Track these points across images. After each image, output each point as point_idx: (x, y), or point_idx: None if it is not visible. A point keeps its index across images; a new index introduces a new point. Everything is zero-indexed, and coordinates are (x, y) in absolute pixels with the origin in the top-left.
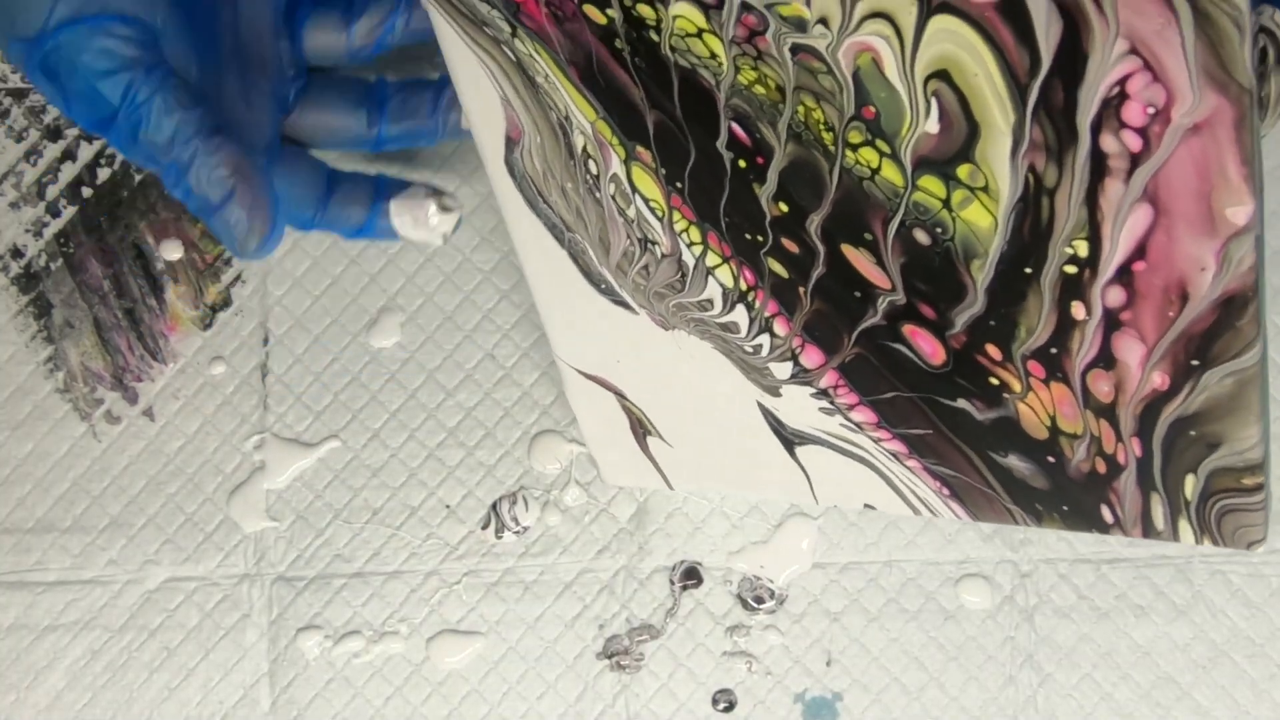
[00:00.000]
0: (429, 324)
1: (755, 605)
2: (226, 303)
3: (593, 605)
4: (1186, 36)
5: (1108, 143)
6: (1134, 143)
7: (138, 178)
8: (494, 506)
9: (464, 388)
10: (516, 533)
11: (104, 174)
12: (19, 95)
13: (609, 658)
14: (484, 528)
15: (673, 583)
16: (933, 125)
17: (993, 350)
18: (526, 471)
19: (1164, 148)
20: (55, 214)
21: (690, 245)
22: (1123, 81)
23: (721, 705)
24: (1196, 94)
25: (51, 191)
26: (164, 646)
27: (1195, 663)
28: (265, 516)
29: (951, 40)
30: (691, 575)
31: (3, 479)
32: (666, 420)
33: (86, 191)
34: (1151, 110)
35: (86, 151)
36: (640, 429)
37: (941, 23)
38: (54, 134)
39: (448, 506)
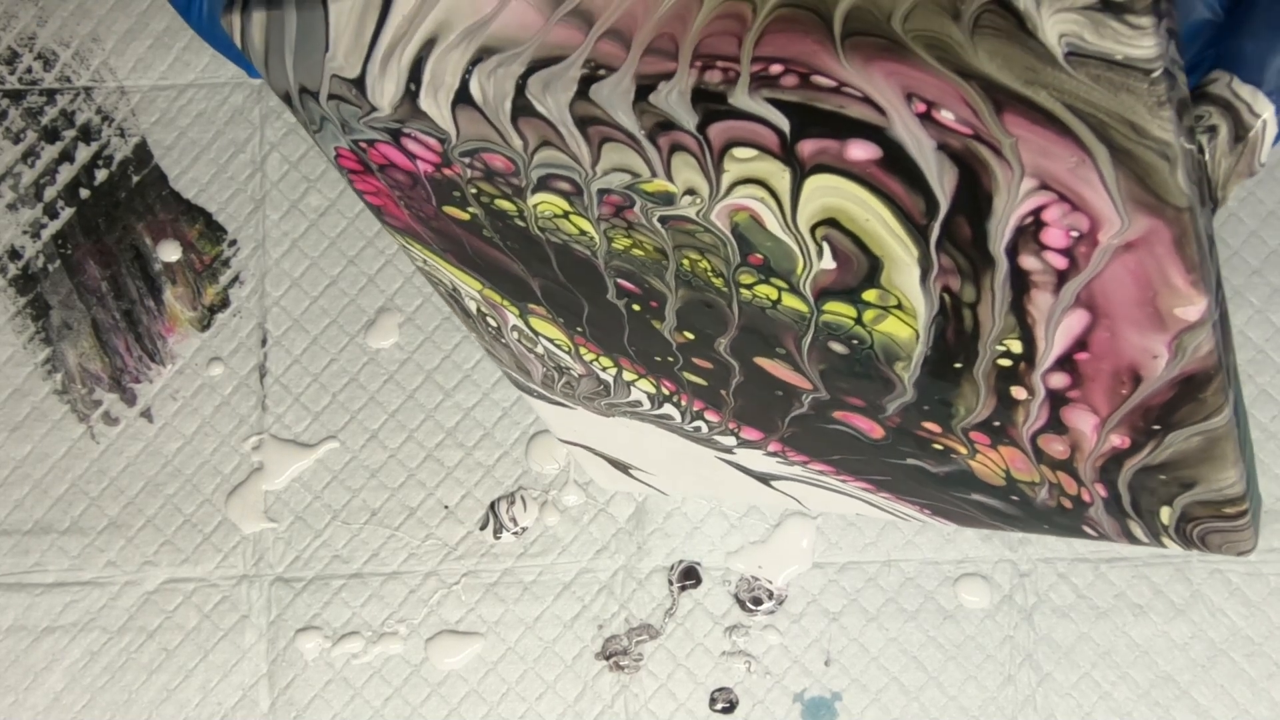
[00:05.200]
0: (427, 324)
1: (753, 606)
2: (224, 304)
3: (591, 605)
4: (1105, 172)
5: (1028, 262)
6: (1059, 262)
7: (135, 179)
8: (492, 507)
9: (462, 388)
10: (515, 533)
11: (101, 175)
12: (16, 97)
13: (608, 658)
14: (482, 528)
15: (671, 583)
16: (828, 263)
17: (931, 426)
18: (525, 472)
19: (1094, 264)
20: (53, 215)
21: (604, 369)
22: (1037, 211)
23: (721, 705)
24: (1125, 219)
25: (49, 193)
26: (163, 648)
27: (1194, 661)
28: (264, 517)
29: (834, 194)
30: (690, 575)
31: (1, 480)
32: (642, 463)
33: (84, 193)
34: (1075, 234)
35: (84, 153)
36: (620, 466)
37: (820, 181)
38: (51, 135)
39: (446, 507)
